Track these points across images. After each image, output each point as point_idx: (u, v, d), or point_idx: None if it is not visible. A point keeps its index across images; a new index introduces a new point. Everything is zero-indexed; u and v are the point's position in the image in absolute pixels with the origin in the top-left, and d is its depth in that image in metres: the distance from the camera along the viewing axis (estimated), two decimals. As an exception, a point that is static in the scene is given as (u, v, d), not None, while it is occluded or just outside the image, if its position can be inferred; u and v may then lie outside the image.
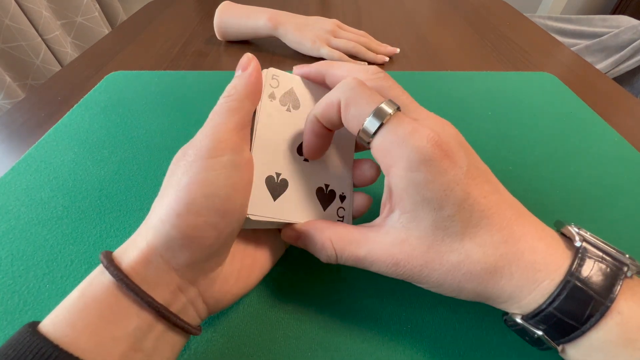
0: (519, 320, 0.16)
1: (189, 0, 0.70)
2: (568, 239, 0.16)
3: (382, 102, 0.16)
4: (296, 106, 0.20)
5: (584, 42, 1.15)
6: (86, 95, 0.39)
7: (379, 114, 0.16)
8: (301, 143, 0.20)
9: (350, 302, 0.22)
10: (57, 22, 0.93)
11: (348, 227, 0.18)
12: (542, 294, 0.15)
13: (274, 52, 0.50)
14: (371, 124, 0.16)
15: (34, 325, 0.13)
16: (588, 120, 0.37)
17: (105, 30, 1.03)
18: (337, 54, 0.46)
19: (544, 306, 0.14)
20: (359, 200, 0.21)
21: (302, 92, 0.21)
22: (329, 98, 0.17)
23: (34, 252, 0.23)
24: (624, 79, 1.09)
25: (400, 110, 0.17)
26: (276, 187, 0.18)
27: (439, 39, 0.56)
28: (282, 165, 0.19)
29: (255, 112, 0.19)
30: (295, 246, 0.20)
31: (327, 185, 0.20)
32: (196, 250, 0.15)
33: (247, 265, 0.19)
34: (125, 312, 0.14)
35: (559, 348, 0.15)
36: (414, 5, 0.69)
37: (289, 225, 0.19)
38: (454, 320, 0.21)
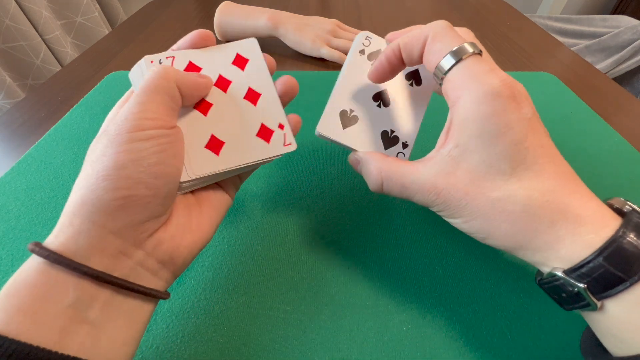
0: (560, 274, 0.15)
1: (189, 0, 0.70)
2: (616, 210, 0.16)
3: (465, 42, 0.17)
4: None
5: (584, 42, 1.15)
6: (86, 95, 0.39)
7: (459, 52, 0.17)
8: (377, 93, 0.22)
9: (350, 302, 0.22)
10: (57, 22, 0.93)
11: (399, 160, 0.20)
12: (586, 247, 0.14)
13: (274, 52, 0.50)
14: (448, 61, 0.17)
15: None
16: (588, 120, 0.37)
17: (105, 30, 1.03)
18: (337, 54, 0.46)
19: (591, 258, 0.14)
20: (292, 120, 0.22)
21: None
22: (419, 32, 0.19)
23: (34, 252, 0.23)
24: (624, 79, 1.09)
25: (481, 55, 0.17)
26: (347, 120, 0.22)
27: (439, 39, 0.56)
28: (357, 105, 0.22)
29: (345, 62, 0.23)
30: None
31: (392, 131, 0.22)
32: (134, 209, 0.15)
33: (193, 218, 0.19)
34: (59, 287, 0.14)
35: (598, 304, 0.15)
36: (414, 5, 0.69)
37: (354, 151, 0.22)
38: (454, 320, 0.21)
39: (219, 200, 0.21)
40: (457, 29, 0.19)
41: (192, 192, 0.20)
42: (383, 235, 0.25)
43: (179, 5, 0.68)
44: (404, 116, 0.23)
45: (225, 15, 0.49)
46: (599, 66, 1.07)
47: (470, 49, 0.17)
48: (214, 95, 0.21)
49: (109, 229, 0.15)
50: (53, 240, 0.15)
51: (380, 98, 0.22)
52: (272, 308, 0.21)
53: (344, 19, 0.57)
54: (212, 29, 0.53)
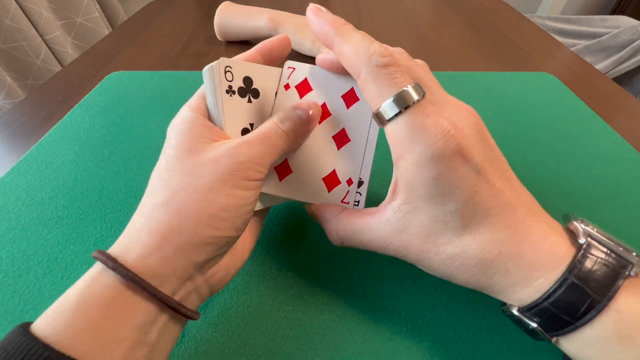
0: (515, 312, 0.16)
1: (189, 0, 0.70)
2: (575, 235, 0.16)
3: (408, 85, 0.15)
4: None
5: (583, 42, 1.15)
6: (86, 96, 0.39)
7: (401, 99, 0.15)
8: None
9: (349, 303, 0.22)
10: (58, 23, 0.93)
11: (352, 216, 0.19)
12: (537, 290, 0.15)
13: (274, 52, 0.50)
14: (389, 109, 0.15)
15: (25, 325, 0.13)
16: (588, 120, 0.37)
17: (106, 30, 1.03)
18: (337, 54, 0.46)
19: (540, 301, 0.15)
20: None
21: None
22: (352, 63, 0.16)
23: (35, 252, 0.23)
24: (623, 79, 1.09)
25: (424, 97, 0.16)
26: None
27: (439, 39, 0.56)
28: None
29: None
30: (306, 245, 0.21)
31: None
32: (219, 247, 0.16)
33: (239, 245, 0.19)
34: (131, 308, 0.14)
35: (553, 340, 0.15)
36: (414, 5, 0.69)
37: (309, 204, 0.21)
38: (454, 320, 0.21)
39: (256, 226, 0.21)
40: (391, 49, 0.18)
41: None
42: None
43: (179, 5, 0.68)
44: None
45: (225, 15, 0.49)
46: (598, 66, 1.07)
47: (414, 96, 0.15)
48: None
49: (193, 261, 0.15)
50: (134, 259, 0.14)
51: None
52: (272, 308, 0.21)
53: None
54: (212, 29, 0.53)
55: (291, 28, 0.47)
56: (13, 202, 0.27)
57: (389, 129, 0.16)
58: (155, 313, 0.15)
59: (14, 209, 0.26)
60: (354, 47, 0.16)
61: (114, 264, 0.14)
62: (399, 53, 0.18)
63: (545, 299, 0.14)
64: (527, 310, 0.15)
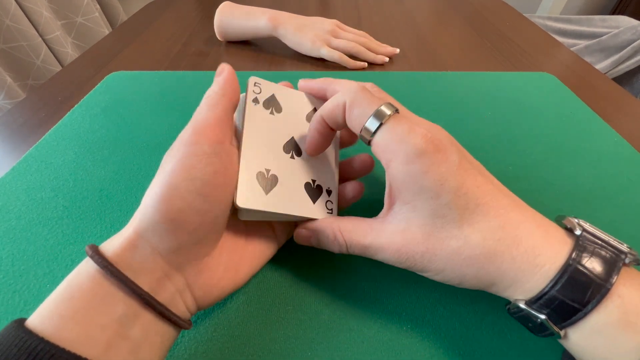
0: (522, 305, 0.16)
1: (189, 0, 0.70)
2: (568, 230, 0.17)
3: (382, 105, 0.18)
4: (279, 110, 0.22)
5: (583, 42, 1.15)
6: (86, 96, 0.39)
7: (379, 114, 0.18)
8: (287, 141, 0.22)
9: (350, 303, 0.22)
10: (58, 23, 0.93)
11: (354, 219, 0.20)
12: (544, 278, 0.15)
13: (274, 52, 0.50)
14: (372, 124, 0.18)
15: (20, 321, 0.13)
16: (588, 120, 0.37)
17: (106, 30, 1.03)
18: (336, 54, 0.46)
19: (547, 289, 0.15)
20: (351, 187, 0.23)
21: (283, 99, 0.23)
22: (336, 100, 0.19)
23: (35, 252, 0.24)
24: (623, 79, 1.09)
25: (399, 112, 0.18)
26: (267, 182, 0.20)
27: (439, 39, 0.56)
28: (271, 162, 0.20)
29: (243, 115, 0.21)
30: (306, 245, 0.21)
31: (314, 181, 0.21)
32: (181, 234, 0.16)
33: (236, 260, 0.19)
34: (110, 299, 0.14)
35: (562, 332, 0.15)
36: (414, 5, 0.69)
37: (303, 222, 0.21)
38: (454, 320, 0.21)
39: (266, 246, 0.21)
40: (365, 84, 0.21)
41: (245, 233, 0.20)
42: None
43: (179, 5, 0.68)
44: (320, 161, 0.22)
45: (225, 15, 0.49)
46: (598, 66, 1.07)
47: (387, 111, 0.18)
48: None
49: (157, 249, 0.16)
50: (107, 246, 0.15)
51: (291, 148, 0.21)
52: (272, 307, 0.21)
53: (343, 19, 0.57)
54: (212, 29, 0.53)
55: (291, 28, 0.47)
56: (13, 202, 0.27)
57: (375, 140, 0.18)
58: (136, 308, 0.15)
59: (14, 209, 0.26)
60: (341, 86, 0.21)
61: (93, 253, 0.14)
62: (370, 86, 0.21)
63: (552, 286, 0.15)
64: (534, 302, 0.15)
